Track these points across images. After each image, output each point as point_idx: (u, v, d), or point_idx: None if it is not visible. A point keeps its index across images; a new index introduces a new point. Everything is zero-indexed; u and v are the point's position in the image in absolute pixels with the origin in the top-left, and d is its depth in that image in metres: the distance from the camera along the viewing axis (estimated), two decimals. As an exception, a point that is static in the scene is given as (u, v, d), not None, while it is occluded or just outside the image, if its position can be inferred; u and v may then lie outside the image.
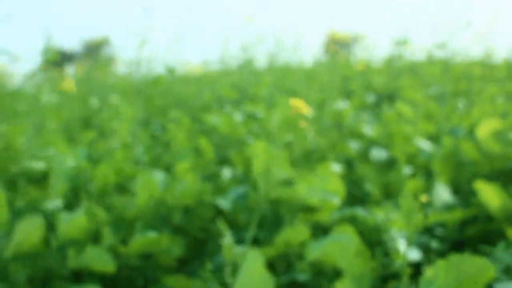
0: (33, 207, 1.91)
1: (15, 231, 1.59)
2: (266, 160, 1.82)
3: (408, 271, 1.28)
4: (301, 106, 0.96)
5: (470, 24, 3.15)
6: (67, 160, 2.06)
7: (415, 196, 1.88)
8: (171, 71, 2.60)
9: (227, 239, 1.01)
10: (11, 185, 2.17)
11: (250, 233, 0.91)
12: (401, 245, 1.38)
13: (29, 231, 1.59)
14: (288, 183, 1.76)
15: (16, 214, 1.84)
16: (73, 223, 1.62)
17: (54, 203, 1.96)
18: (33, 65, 2.65)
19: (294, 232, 1.58)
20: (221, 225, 1.41)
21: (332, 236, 1.56)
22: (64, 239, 1.63)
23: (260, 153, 1.87)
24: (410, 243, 1.28)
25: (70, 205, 2.12)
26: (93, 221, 1.76)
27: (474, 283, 1.18)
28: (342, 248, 1.30)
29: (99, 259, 1.55)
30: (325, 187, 1.87)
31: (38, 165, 2.15)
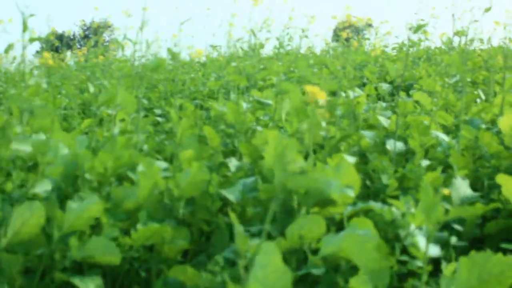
0: (24, 194, 1.89)
1: (12, 218, 1.57)
2: (280, 149, 1.80)
3: (428, 268, 1.26)
4: (317, 93, 0.94)
5: (490, 9, 3.10)
6: (63, 147, 2.04)
7: (435, 190, 1.86)
8: (175, 56, 2.57)
9: (240, 230, 0.99)
10: (2, 171, 2.15)
11: (266, 225, 0.89)
12: (421, 241, 1.37)
13: (27, 219, 1.57)
14: (302, 174, 1.74)
15: (7, 201, 1.82)
16: (82, 213, 1.60)
17: (44, 187, 1.93)
18: (17, 44, 2.64)
19: (309, 224, 1.56)
20: (231, 216, 1.39)
21: (348, 230, 1.54)
22: (69, 229, 1.62)
23: (272, 141, 1.85)
24: (430, 239, 1.26)
25: (66, 195, 2.11)
26: (99, 213, 1.75)
27: (498, 282, 1.16)
28: (359, 243, 1.28)
29: (104, 250, 1.54)
30: (340, 179, 1.85)
31: (25, 150, 2.12)
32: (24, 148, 1.97)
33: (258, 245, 1.01)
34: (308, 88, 0.96)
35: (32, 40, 2.25)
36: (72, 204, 1.61)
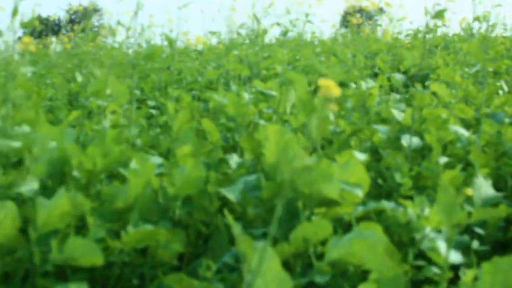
0: (7, 193, 1.88)
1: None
2: (282, 144, 1.80)
3: (448, 275, 1.26)
4: (331, 87, 0.94)
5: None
6: (49, 141, 2.03)
7: (456, 189, 1.86)
8: (171, 42, 2.56)
9: (241, 233, 0.99)
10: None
11: (271, 228, 0.89)
12: (442, 245, 1.36)
13: (1, 221, 1.57)
14: (306, 171, 1.73)
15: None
16: (53, 210, 1.59)
17: (30, 186, 1.93)
18: (6, 32, 2.64)
19: (314, 228, 1.56)
20: (229, 218, 1.39)
21: (356, 233, 1.53)
22: (44, 229, 1.61)
23: (273, 136, 1.84)
24: (451, 243, 1.25)
25: (52, 194, 2.10)
26: (77, 211, 1.74)
27: (523, 290, 1.15)
28: (371, 246, 1.27)
29: (85, 251, 1.53)
30: (347, 177, 1.85)
31: (11, 145, 2.12)
32: (8, 143, 1.96)
33: (259, 249, 1.00)
34: (321, 81, 0.96)
35: (23, 25, 2.26)
36: (42, 201, 1.61)
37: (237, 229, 1.28)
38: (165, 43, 6.83)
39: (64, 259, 1.56)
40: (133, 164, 1.95)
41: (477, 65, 4.30)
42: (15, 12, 2.22)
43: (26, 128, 2.08)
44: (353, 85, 3.61)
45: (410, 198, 2.13)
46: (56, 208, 1.60)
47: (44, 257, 1.60)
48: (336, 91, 0.98)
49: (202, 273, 1.52)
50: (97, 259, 1.54)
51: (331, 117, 2.52)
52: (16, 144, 2.07)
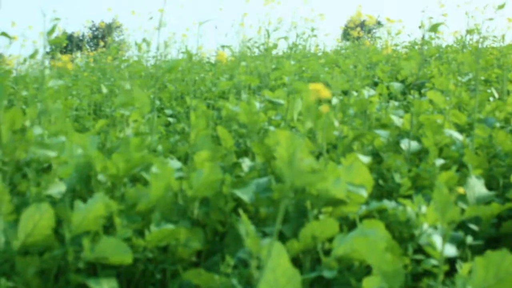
0: (39, 196, 1.90)
1: (22, 221, 1.58)
2: (292, 149, 1.81)
3: (445, 268, 1.27)
4: (321, 90, 0.94)
5: (503, 6, 3.10)
6: (77, 148, 2.06)
7: (450, 189, 1.87)
8: (190, 56, 2.59)
9: (251, 230, 1.00)
10: (19, 174, 2.17)
11: (276, 226, 0.90)
12: (437, 240, 1.37)
13: (37, 221, 1.59)
14: (313, 174, 1.74)
15: (24, 204, 1.83)
16: (88, 213, 1.61)
17: (58, 188, 1.95)
18: (40, 49, 2.67)
19: (322, 226, 1.57)
20: (242, 216, 1.40)
21: (360, 231, 1.54)
22: (79, 230, 1.63)
23: (284, 142, 1.85)
24: (446, 238, 1.26)
25: (80, 197, 2.13)
26: (105, 212, 1.76)
27: (515, 282, 1.16)
28: (371, 244, 1.29)
29: (115, 250, 1.55)
30: (352, 179, 1.85)
31: (47, 154, 2.14)
32: (44, 152, 1.98)
33: (268, 246, 1.02)
34: (312, 86, 0.96)
35: (51, 42, 2.28)
36: (79, 205, 1.63)
37: (245, 228, 1.29)
38: (180, 56, 6.85)
39: (96, 257, 1.58)
40: (154, 169, 1.97)
41: (469, 74, 4.30)
42: (51, 32, 2.24)
43: (62, 138, 2.10)
44: (355, 94, 3.61)
45: (409, 197, 2.13)
46: (91, 212, 1.62)
47: (77, 255, 1.62)
48: (325, 93, 0.98)
49: (222, 269, 1.54)
50: (126, 258, 1.56)
51: (336, 123, 2.53)
52: (52, 154, 2.09)
